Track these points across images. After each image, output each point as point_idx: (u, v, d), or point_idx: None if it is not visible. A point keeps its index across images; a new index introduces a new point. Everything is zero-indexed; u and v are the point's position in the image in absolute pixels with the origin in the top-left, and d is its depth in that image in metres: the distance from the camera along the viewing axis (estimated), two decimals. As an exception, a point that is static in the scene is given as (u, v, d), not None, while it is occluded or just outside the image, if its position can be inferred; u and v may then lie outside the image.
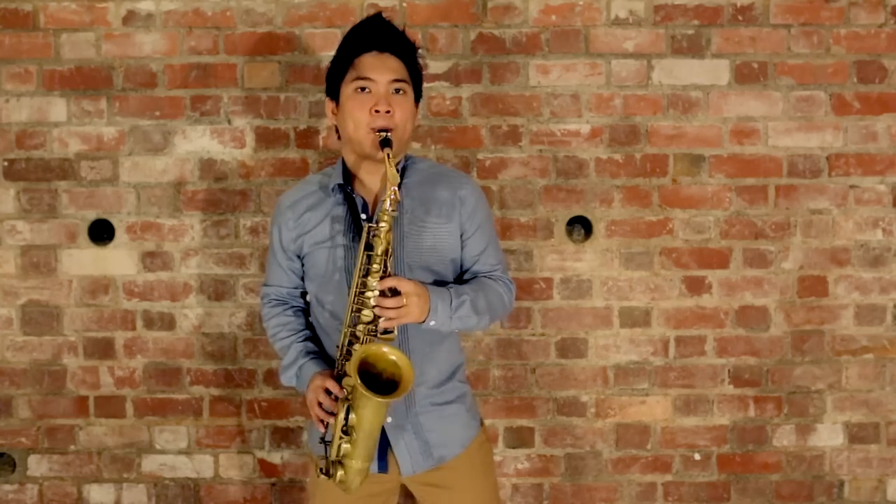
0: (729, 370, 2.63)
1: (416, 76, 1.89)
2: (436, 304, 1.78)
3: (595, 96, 2.57)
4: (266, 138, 2.58)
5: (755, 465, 2.65)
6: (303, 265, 1.94)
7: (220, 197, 2.59)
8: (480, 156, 2.58)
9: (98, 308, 2.62)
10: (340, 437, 1.74)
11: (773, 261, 2.61)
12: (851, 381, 2.64)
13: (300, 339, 1.95)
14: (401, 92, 1.83)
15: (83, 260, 2.60)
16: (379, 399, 1.66)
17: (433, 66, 2.55)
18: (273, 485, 2.67)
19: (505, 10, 2.55)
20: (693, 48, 2.56)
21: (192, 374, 2.64)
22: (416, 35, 2.52)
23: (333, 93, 1.89)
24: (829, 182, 2.60)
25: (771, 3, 2.55)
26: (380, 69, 1.81)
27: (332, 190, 1.89)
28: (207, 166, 2.59)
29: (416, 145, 2.56)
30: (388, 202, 1.71)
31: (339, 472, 1.76)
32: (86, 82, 2.57)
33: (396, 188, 1.71)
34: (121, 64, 2.57)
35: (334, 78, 1.88)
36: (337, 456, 1.76)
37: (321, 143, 2.58)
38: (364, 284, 1.73)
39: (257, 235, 2.60)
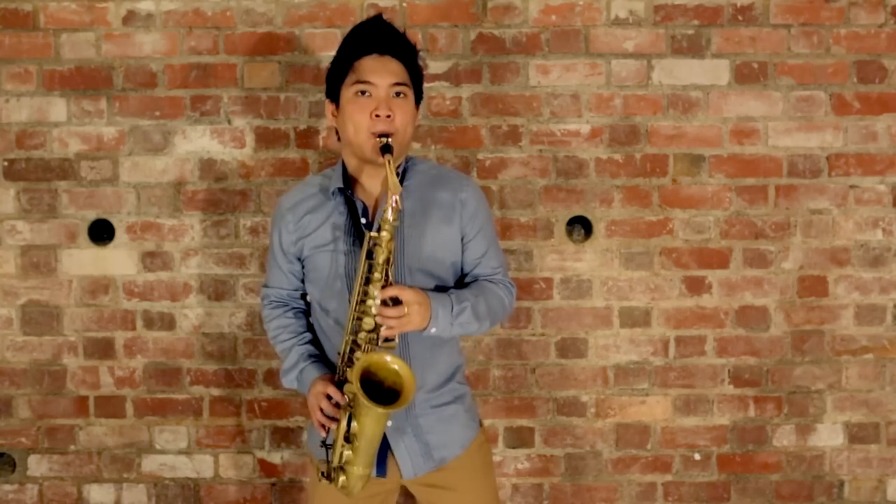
0: (729, 370, 2.63)
1: (416, 78, 1.88)
2: (437, 311, 1.77)
3: (595, 96, 2.57)
4: (266, 138, 2.58)
5: (755, 465, 2.65)
6: (303, 267, 1.93)
7: (220, 197, 2.59)
8: (480, 156, 2.58)
9: (98, 308, 2.62)
10: (343, 445, 1.75)
11: (773, 261, 2.61)
12: (851, 381, 2.64)
13: (301, 343, 1.94)
14: (401, 95, 1.81)
15: (83, 260, 2.60)
16: (380, 410, 1.66)
17: (433, 66, 2.55)
18: (273, 485, 2.67)
19: (505, 10, 2.55)
20: (693, 48, 2.56)
21: (192, 374, 2.64)
22: (416, 35, 2.52)
23: (333, 95, 1.87)
24: (829, 182, 2.60)
25: (771, 3, 2.55)
26: (380, 73, 1.80)
27: (333, 193, 1.88)
28: (207, 166, 2.59)
29: (416, 145, 2.56)
30: (389, 211, 1.69)
31: (342, 478, 1.77)
32: (86, 82, 2.57)
33: (398, 197, 1.69)
34: (121, 64, 2.57)
35: (334, 80, 1.87)
36: (339, 462, 1.77)
37: (321, 143, 2.58)
38: (365, 293, 1.73)
39: (257, 235, 2.60)
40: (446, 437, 1.90)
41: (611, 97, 2.57)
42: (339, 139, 1.91)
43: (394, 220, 1.70)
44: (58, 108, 2.57)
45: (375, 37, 1.82)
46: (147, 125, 2.58)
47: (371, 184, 1.88)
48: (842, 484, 2.66)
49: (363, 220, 1.85)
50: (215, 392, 2.64)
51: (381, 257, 1.71)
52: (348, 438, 1.74)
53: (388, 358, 1.70)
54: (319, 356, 1.92)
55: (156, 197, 2.60)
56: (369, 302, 1.72)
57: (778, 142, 2.59)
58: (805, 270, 2.61)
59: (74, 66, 2.56)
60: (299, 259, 1.93)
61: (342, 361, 1.78)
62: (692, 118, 2.58)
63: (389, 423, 1.82)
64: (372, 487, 1.87)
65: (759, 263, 2.61)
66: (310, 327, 1.98)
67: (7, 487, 2.67)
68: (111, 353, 2.63)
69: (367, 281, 1.73)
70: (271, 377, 2.62)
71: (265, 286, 2.02)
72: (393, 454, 1.87)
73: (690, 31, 2.56)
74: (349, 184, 1.88)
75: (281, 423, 2.64)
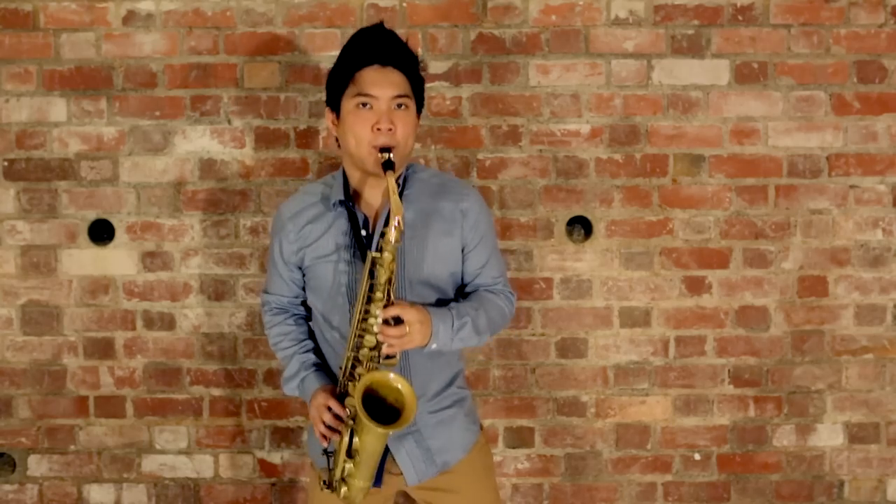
0: (729, 370, 2.63)
1: (418, 87, 1.85)
2: (437, 327, 1.76)
3: (595, 96, 2.57)
4: (266, 138, 2.58)
5: (755, 465, 2.65)
6: (303, 275, 1.93)
7: (220, 197, 2.59)
8: (480, 156, 2.58)
9: (98, 308, 2.62)
10: (345, 460, 1.76)
11: (773, 261, 2.61)
12: (851, 381, 2.64)
13: (302, 351, 1.94)
14: (403, 107, 1.79)
15: (83, 260, 2.60)
16: (381, 430, 1.68)
17: (433, 66, 2.55)
18: (273, 485, 2.67)
19: (505, 10, 2.55)
20: (693, 48, 2.56)
21: (192, 374, 2.64)
22: (416, 35, 2.53)
23: (334, 104, 1.85)
24: (829, 182, 2.60)
25: (771, 3, 2.55)
26: (382, 85, 1.77)
27: (334, 205, 1.86)
28: (207, 166, 2.59)
29: (416, 145, 2.55)
30: (392, 232, 1.68)
31: (343, 489, 1.79)
32: (86, 82, 2.57)
33: (400, 218, 1.68)
34: (121, 64, 2.57)
35: (335, 89, 1.84)
36: (341, 475, 1.78)
37: (321, 143, 2.58)
38: (367, 311, 1.73)
39: (257, 235, 2.60)
40: (447, 442, 1.90)
41: (611, 97, 2.57)
42: (339, 146, 1.89)
43: (396, 241, 1.69)
44: (58, 108, 2.57)
45: (377, 47, 1.79)
46: (147, 125, 2.58)
47: (372, 194, 1.86)
48: (842, 484, 2.66)
49: (363, 233, 1.84)
50: (215, 392, 2.64)
51: (382, 277, 1.71)
52: (350, 453, 1.75)
53: (391, 376, 1.71)
54: (320, 364, 1.93)
55: (156, 197, 2.60)
56: (371, 320, 1.72)
57: (778, 142, 2.59)
58: (805, 270, 2.61)
59: (74, 66, 2.56)
60: (300, 268, 1.92)
61: (344, 375, 1.79)
62: (692, 118, 2.58)
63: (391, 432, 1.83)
64: (372, 495, 1.87)
65: (759, 263, 2.61)
66: (310, 334, 1.98)
67: (7, 487, 2.67)
68: (111, 353, 2.63)
69: (369, 300, 1.72)
70: (271, 377, 2.62)
71: (266, 292, 2.01)
72: (395, 461, 1.86)
73: (690, 31, 2.56)
74: (350, 195, 1.87)
75: (281, 423, 2.64)
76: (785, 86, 2.57)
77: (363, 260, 1.78)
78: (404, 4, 2.54)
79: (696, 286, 2.61)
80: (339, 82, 1.82)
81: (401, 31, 2.46)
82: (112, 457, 2.66)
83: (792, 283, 2.61)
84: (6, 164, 2.59)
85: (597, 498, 2.66)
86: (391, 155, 1.74)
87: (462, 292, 1.93)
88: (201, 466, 2.66)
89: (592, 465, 2.65)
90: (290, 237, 1.90)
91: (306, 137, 2.58)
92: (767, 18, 2.56)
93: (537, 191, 2.59)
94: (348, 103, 1.79)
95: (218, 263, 2.61)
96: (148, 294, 2.61)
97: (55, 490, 2.67)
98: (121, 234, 2.60)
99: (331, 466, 1.81)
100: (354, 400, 1.69)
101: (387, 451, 1.85)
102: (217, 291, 2.61)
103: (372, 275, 1.72)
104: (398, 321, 1.72)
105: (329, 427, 1.78)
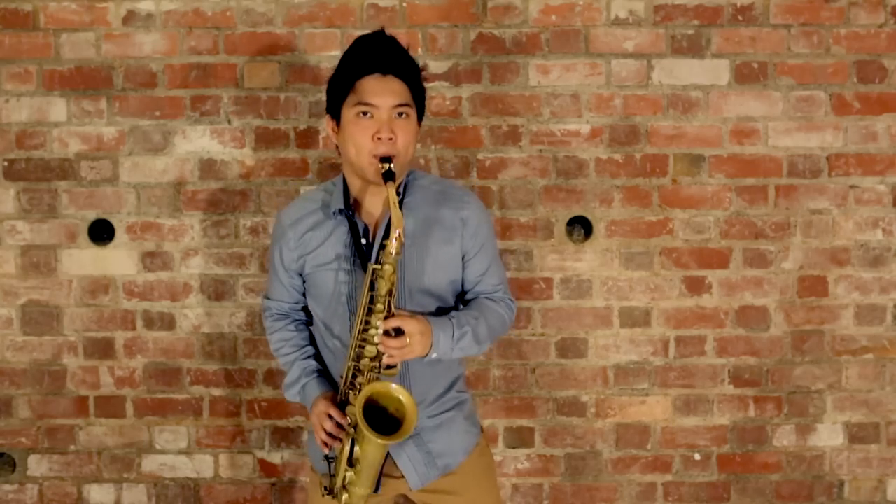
0: (729, 370, 2.63)
1: (418, 96, 1.84)
2: (438, 337, 1.76)
3: (595, 96, 2.57)
4: (266, 138, 2.58)
5: (755, 465, 2.65)
6: (304, 282, 1.93)
7: (220, 197, 2.59)
8: (480, 156, 2.58)
9: (98, 308, 2.62)
10: (346, 469, 1.77)
11: (773, 261, 2.61)
12: (851, 381, 2.64)
13: (303, 357, 1.94)
14: (403, 115, 1.78)
15: (83, 260, 2.60)
16: (381, 441, 1.69)
17: (433, 66, 2.55)
18: (273, 485, 2.67)
19: (505, 10, 2.55)
20: (693, 48, 2.56)
21: (192, 374, 2.64)
22: (416, 35, 2.53)
23: (334, 111, 1.84)
24: (829, 182, 2.60)
25: (771, 3, 2.55)
26: (382, 94, 1.76)
27: (334, 213, 1.86)
28: (207, 166, 2.59)
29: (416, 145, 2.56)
30: (392, 244, 1.68)
31: (345, 496, 1.80)
32: (86, 82, 2.57)
33: (401, 231, 1.68)
34: (121, 64, 2.57)
35: (335, 97, 1.82)
36: (342, 483, 1.79)
37: (321, 143, 2.58)
38: (367, 322, 1.73)
39: (257, 235, 2.60)
40: (448, 445, 1.90)
41: (611, 97, 2.57)
42: (339, 152, 1.88)
43: (396, 253, 1.69)
44: (58, 108, 2.57)
45: (378, 56, 1.78)
46: (147, 125, 2.58)
47: (373, 202, 1.86)
48: (842, 484, 2.66)
49: (364, 241, 1.84)
50: (215, 392, 2.64)
51: (383, 289, 1.71)
52: (351, 462, 1.76)
53: (392, 386, 1.72)
54: (321, 370, 1.93)
55: (156, 197, 2.60)
56: (371, 331, 1.73)
57: (778, 142, 2.59)
58: (805, 270, 2.61)
59: (74, 66, 2.56)
60: (300, 275, 1.92)
61: (344, 384, 1.79)
62: (692, 118, 2.58)
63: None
64: (371, 498, 1.87)
65: (759, 263, 2.61)
66: (311, 339, 1.98)
67: (7, 487, 2.67)
68: (111, 353, 2.63)
69: (370, 311, 1.73)
70: (271, 377, 2.62)
71: (267, 298, 2.01)
72: (396, 465, 1.86)
73: (690, 31, 2.56)
74: (350, 204, 1.86)
75: (281, 423, 2.64)
76: (785, 86, 2.57)
77: (363, 269, 1.78)
78: (404, 4, 2.54)
79: (696, 286, 2.61)
80: (339, 90, 1.81)
81: (401, 31, 2.49)
82: (112, 457, 2.66)
83: (792, 283, 2.61)
84: (6, 164, 2.59)
85: (597, 498, 2.66)
86: (391, 165, 1.73)
87: (462, 299, 1.93)
88: (201, 466, 2.66)
89: (592, 465, 2.65)
90: (290, 244, 1.90)
91: (306, 137, 2.58)
92: (767, 18, 2.56)
93: (537, 191, 2.59)
94: (349, 112, 1.78)
95: (218, 263, 2.61)
96: (148, 294, 2.61)
97: (55, 490, 2.67)
98: (121, 234, 2.60)
99: (332, 473, 1.82)
100: (356, 410, 1.70)
101: (387, 454, 1.85)
102: (217, 291, 2.61)
103: (373, 286, 1.73)
104: (399, 332, 1.72)
105: (330, 434, 1.79)
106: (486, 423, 2.60)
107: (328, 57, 2.54)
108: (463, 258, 1.88)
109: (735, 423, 2.65)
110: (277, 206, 2.57)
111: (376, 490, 1.85)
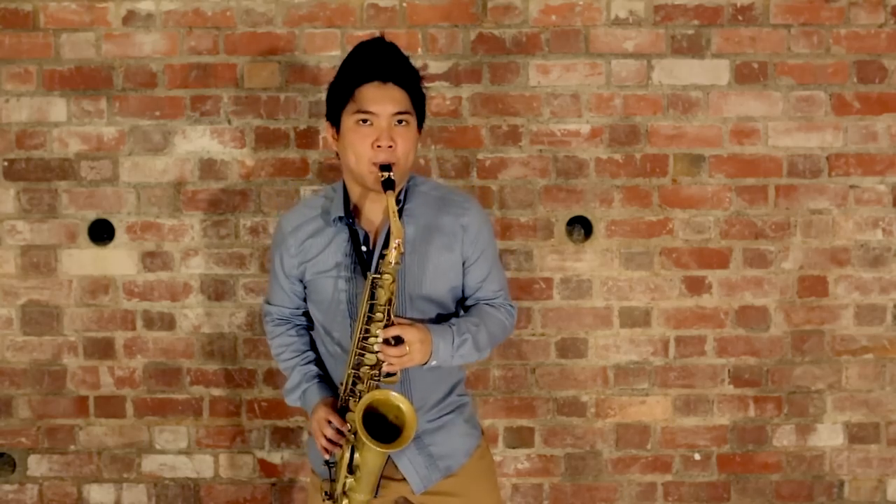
0: (729, 370, 2.64)
1: (418, 103, 1.84)
2: (438, 344, 1.77)
3: (595, 96, 2.57)
4: (266, 138, 2.58)
5: (755, 465, 2.65)
6: (304, 288, 1.93)
7: (220, 197, 2.59)
8: (480, 156, 2.58)
9: (98, 308, 2.62)
10: (346, 476, 1.77)
11: (773, 261, 2.61)
12: (851, 381, 2.64)
13: (303, 363, 1.95)
14: (403, 123, 1.78)
15: (83, 260, 2.60)
16: (381, 449, 1.69)
17: (433, 66, 2.55)
18: (273, 485, 2.67)
19: (505, 10, 2.55)
20: (693, 48, 2.56)
21: (192, 374, 2.64)
22: (416, 35, 2.53)
23: (333, 118, 1.83)
24: (829, 182, 2.60)
25: (771, 3, 2.55)
26: (382, 102, 1.75)
27: (334, 221, 1.86)
28: (207, 166, 2.59)
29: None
30: (392, 254, 1.69)
31: (345, 502, 1.81)
32: (86, 82, 2.57)
33: (400, 240, 1.68)
34: (121, 64, 2.57)
35: (334, 105, 1.82)
36: (343, 490, 1.80)
37: (321, 143, 2.58)
38: (367, 331, 1.73)
39: (257, 235, 2.60)
40: (448, 447, 1.90)
41: (611, 97, 2.57)
42: (338, 158, 1.88)
43: (396, 262, 1.69)
44: (58, 108, 2.57)
45: (377, 63, 1.77)
46: (147, 125, 2.58)
47: (373, 209, 1.85)
48: (842, 484, 2.66)
49: (364, 249, 1.84)
50: (215, 392, 2.64)
51: (383, 297, 1.71)
52: (351, 469, 1.77)
53: (392, 394, 1.72)
54: (322, 376, 1.93)
55: (156, 197, 2.60)
56: (371, 340, 1.73)
57: (778, 142, 2.59)
58: (805, 270, 2.61)
59: (74, 66, 2.56)
60: (301, 281, 1.92)
61: (344, 391, 1.79)
62: (692, 118, 2.58)
63: None
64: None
65: (759, 263, 2.61)
66: (312, 344, 1.99)
67: (7, 487, 2.67)
68: (111, 353, 2.63)
69: (370, 320, 1.73)
70: (271, 377, 2.62)
71: (267, 302, 2.01)
72: (397, 468, 1.86)
73: (690, 31, 2.56)
74: (350, 211, 1.86)
75: (281, 423, 2.64)
76: (785, 86, 2.57)
77: (364, 276, 1.78)
78: (404, 4, 2.54)
79: (696, 286, 2.61)
80: (338, 98, 1.81)
81: (401, 32, 2.49)
82: (112, 457, 2.66)
83: (792, 283, 2.61)
84: (6, 164, 2.59)
85: (597, 498, 2.66)
86: (391, 174, 1.73)
87: (463, 305, 1.94)
88: (201, 466, 2.66)
89: (592, 465, 2.65)
90: (290, 251, 1.90)
91: (306, 137, 2.58)
92: (767, 18, 2.56)
93: (537, 191, 2.59)
94: (348, 119, 1.78)
95: (218, 263, 2.61)
96: (148, 294, 2.61)
97: (55, 490, 2.67)
98: (121, 234, 2.60)
99: (332, 478, 1.83)
100: (355, 418, 1.70)
101: (387, 458, 1.85)
102: (217, 291, 2.61)
103: (372, 295, 1.73)
104: (399, 340, 1.72)
105: (330, 441, 1.79)
106: (486, 423, 2.61)
107: (328, 57, 2.54)
108: (463, 265, 1.88)
109: (735, 423, 2.65)
110: (277, 206, 2.57)
111: (375, 494, 1.85)
